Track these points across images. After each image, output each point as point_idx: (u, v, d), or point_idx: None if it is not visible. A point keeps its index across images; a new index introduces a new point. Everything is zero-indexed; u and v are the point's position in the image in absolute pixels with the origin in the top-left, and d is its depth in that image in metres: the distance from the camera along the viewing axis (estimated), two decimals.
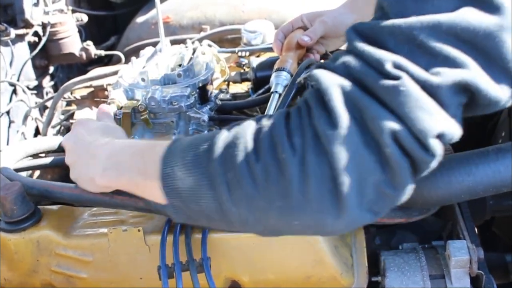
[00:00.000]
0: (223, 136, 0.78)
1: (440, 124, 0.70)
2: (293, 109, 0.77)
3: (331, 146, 0.69)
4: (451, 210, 1.26)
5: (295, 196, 0.72)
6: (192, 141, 0.84)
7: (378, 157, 0.70)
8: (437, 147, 0.72)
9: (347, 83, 0.72)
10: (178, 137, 0.92)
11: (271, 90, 1.31)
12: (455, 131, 0.73)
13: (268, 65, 1.43)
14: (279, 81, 1.31)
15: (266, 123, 0.77)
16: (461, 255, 1.07)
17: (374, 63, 0.71)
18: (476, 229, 1.25)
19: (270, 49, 1.61)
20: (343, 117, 0.70)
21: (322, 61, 1.43)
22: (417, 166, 0.73)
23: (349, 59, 0.74)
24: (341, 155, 0.69)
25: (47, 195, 1.19)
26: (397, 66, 0.70)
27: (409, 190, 0.75)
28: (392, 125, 0.69)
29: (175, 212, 0.87)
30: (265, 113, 1.27)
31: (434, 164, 0.74)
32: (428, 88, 0.69)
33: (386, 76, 0.70)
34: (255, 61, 1.54)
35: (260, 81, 1.49)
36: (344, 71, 0.74)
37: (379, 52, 0.72)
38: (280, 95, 1.30)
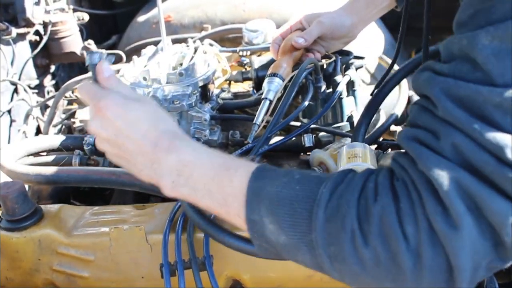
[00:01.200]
0: (324, 204, 0.74)
1: None
2: (399, 186, 0.72)
3: (450, 244, 0.66)
4: None
5: (408, 284, 0.70)
6: (283, 193, 0.78)
7: (494, 242, 0.67)
8: None
9: (462, 174, 0.66)
10: (259, 170, 0.81)
11: (262, 96, 1.30)
12: None
13: (270, 65, 1.43)
14: (271, 88, 1.30)
15: (371, 201, 0.71)
16: None
17: (491, 148, 0.65)
18: None
19: None
20: (463, 217, 0.66)
21: (323, 61, 1.42)
22: None
23: (459, 141, 0.67)
24: (460, 252, 0.66)
25: (54, 180, 1.19)
26: None
27: None
28: None
29: (262, 251, 0.83)
30: (254, 121, 1.27)
31: None
32: None
33: (507, 164, 0.64)
34: (256, 60, 1.54)
35: (262, 80, 1.49)
36: (455, 156, 0.67)
37: (497, 135, 0.65)
38: (270, 101, 1.29)
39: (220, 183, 0.83)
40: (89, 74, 1.89)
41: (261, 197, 0.78)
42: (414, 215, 0.68)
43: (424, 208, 0.68)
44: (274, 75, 1.32)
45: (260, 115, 1.28)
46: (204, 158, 0.86)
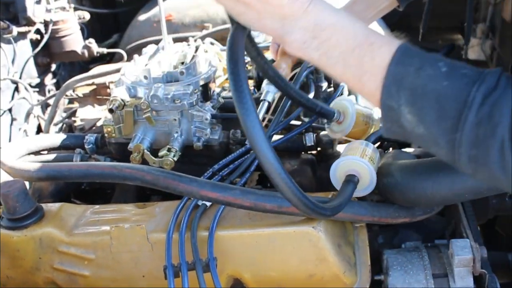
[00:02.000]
0: (476, 108, 0.73)
1: None
2: None
3: None
4: (454, 209, 1.26)
5: None
6: (429, 87, 0.75)
7: None
8: None
9: None
10: (401, 52, 0.77)
11: (261, 97, 1.30)
12: None
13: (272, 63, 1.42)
14: (269, 89, 1.30)
15: None
16: (464, 254, 1.07)
17: None
18: (479, 228, 1.25)
19: None
20: None
21: None
22: None
23: None
24: None
25: (55, 176, 1.19)
26: None
27: None
28: None
29: (390, 133, 0.81)
30: None
31: None
32: None
33: None
34: None
35: (263, 79, 1.48)
36: None
37: None
38: (269, 103, 1.29)
39: (359, 57, 0.79)
40: (90, 73, 1.89)
41: (402, 85, 0.76)
42: None
43: None
44: None
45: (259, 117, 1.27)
46: (347, 25, 0.81)
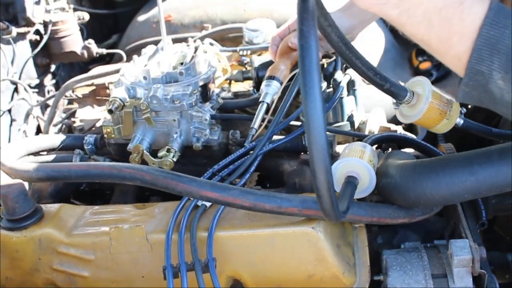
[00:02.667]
0: None
1: None
2: None
3: None
4: (453, 210, 1.26)
5: None
6: None
7: None
8: None
9: None
10: (494, 13, 0.71)
11: (260, 99, 1.30)
12: None
13: (270, 64, 1.43)
14: (268, 91, 1.30)
15: None
16: (464, 254, 1.07)
17: None
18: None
19: None
20: None
21: (324, 60, 1.42)
22: None
23: None
24: None
25: (55, 176, 1.20)
26: None
27: None
28: None
29: (467, 98, 0.77)
30: (251, 125, 1.27)
31: None
32: None
33: None
34: (257, 59, 1.54)
35: (262, 80, 1.48)
36: None
37: None
38: (268, 105, 1.29)
39: (447, 17, 0.73)
40: (89, 73, 1.89)
41: (496, 49, 0.71)
42: None
43: None
44: (271, 78, 1.32)
45: (258, 119, 1.28)
46: None
